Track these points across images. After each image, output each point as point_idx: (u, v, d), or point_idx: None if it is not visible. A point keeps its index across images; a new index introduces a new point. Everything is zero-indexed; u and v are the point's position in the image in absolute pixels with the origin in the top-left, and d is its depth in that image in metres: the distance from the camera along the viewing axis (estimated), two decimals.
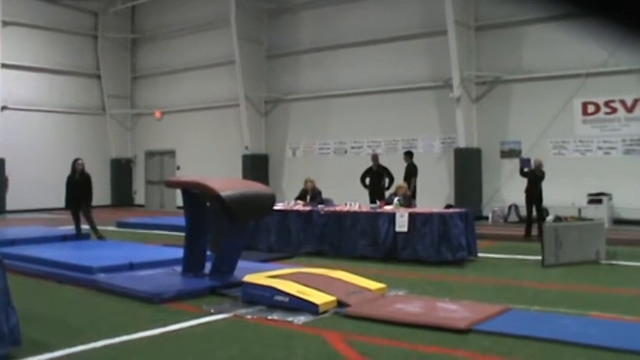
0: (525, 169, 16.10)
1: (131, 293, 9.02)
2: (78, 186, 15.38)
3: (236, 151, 26.21)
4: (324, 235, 13.39)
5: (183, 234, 11.52)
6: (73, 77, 30.03)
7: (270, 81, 26.27)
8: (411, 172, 18.22)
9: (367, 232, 12.79)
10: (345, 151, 24.10)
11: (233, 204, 9.21)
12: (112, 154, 30.54)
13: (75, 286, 10.05)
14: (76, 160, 15.73)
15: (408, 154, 18.71)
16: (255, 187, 10.61)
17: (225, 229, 9.74)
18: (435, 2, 20.92)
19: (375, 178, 18.24)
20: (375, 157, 18.84)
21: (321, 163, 23.98)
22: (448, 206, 18.72)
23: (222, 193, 9.15)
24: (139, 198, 31.27)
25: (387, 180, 18.06)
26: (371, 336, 6.87)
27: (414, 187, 17.74)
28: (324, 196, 15.59)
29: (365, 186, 18.30)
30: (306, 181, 15.69)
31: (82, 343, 6.66)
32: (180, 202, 26.16)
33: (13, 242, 14.20)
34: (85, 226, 15.63)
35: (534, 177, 15.86)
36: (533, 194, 15.83)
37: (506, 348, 6.39)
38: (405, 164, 18.43)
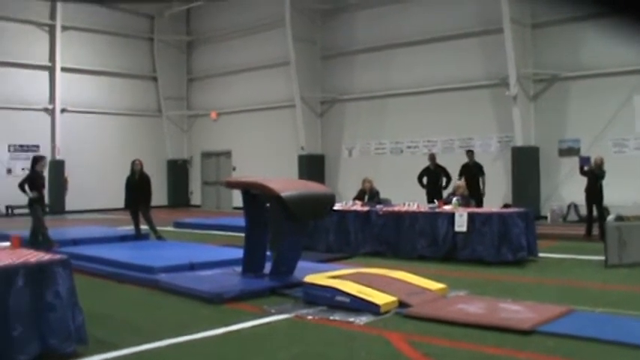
0: (585, 168, 15.84)
1: (192, 293, 9.10)
2: (137, 187, 15.55)
3: (292, 151, 26.29)
4: (382, 235, 13.35)
5: (240, 234, 11.61)
6: (129, 80, 30.50)
7: (326, 81, 26.28)
8: (478, 171, 18.06)
9: (426, 232, 12.72)
10: (402, 151, 23.99)
11: (293, 204, 9.23)
12: (168, 155, 30.89)
13: (136, 286, 10.19)
14: (134, 161, 15.92)
15: (470, 153, 18.54)
16: (315, 187, 10.63)
17: (285, 230, 9.77)
18: (490, 0, 20.69)
19: (433, 178, 18.15)
20: (432, 157, 18.74)
21: (377, 163, 23.90)
22: (505, 206, 18.54)
23: (283, 194, 9.19)
24: (196, 199, 31.58)
25: (444, 179, 17.93)
26: (433, 337, 6.82)
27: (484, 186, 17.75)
28: (381, 196, 15.53)
29: (422, 185, 18.20)
30: (363, 181, 15.64)
31: (147, 342, 6.75)
32: (236, 202, 26.65)
33: (75, 242, 14.46)
34: (144, 227, 15.81)
35: (594, 176, 15.59)
36: (594, 193, 15.56)
37: (570, 350, 6.30)
38: (468, 163, 18.23)
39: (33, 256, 6.57)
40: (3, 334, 5.75)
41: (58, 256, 6.55)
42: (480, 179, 18.04)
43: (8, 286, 5.84)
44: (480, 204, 16.70)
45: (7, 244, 7.28)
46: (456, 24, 22.22)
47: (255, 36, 28.33)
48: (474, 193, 17.34)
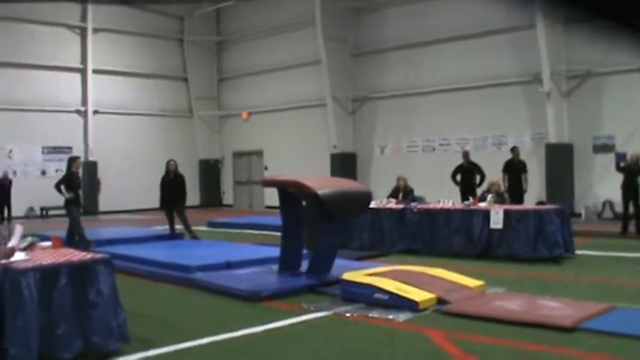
0: (621, 164, 15.71)
1: (230, 291, 9.13)
2: (171, 186, 15.64)
3: (323, 150, 26.31)
4: (417, 233, 13.32)
5: (274, 233, 11.65)
6: (161, 81, 30.69)
7: (357, 80, 26.27)
8: (522, 168, 17.95)
9: (461, 230, 12.68)
10: (434, 149, 23.91)
11: (330, 202, 9.23)
12: (200, 155, 31.03)
13: (172, 285, 10.25)
14: (168, 162, 16.02)
15: (516, 150, 18.41)
16: (351, 185, 10.64)
17: (321, 228, 9.78)
18: None
19: (466, 175, 18.05)
20: (465, 154, 18.64)
21: (410, 161, 23.83)
22: (540, 203, 18.42)
23: (319, 192, 9.19)
24: (228, 198, 31.71)
25: (477, 177, 17.83)
26: (474, 334, 6.80)
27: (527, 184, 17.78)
28: (415, 194, 15.49)
29: (456, 183, 18.12)
30: (398, 179, 15.60)
31: (187, 340, 6.80)
32: (269, 201, 26.76)
33: (110, 242, 14.58)
34: (178, 226, 15.90)
35: (631, 172, 15.46)
36: (630, 190, 15.44)
37: (614, 347, 6.25)
38: (513, 159, 18.09)
39: (75, 255, 6.65)
40: (47, 332, 5.83)
41: (100, 255, 6.63)
42: (523, 176, 17.88)
43: (52, 284, 5.92)
44: (521, 201, 16.57)
45: (49, 243, 7.35)
46: (487, 20, 22.06)
47: (286, 35, 28.38)
48: (516, 190, 17.30)
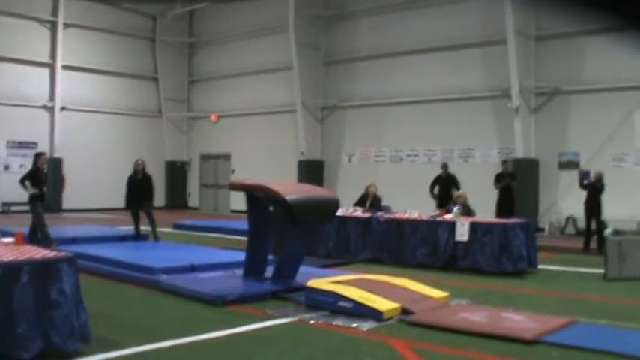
0: (585, 182, 15.90)
1: (194, 295, 9.09)
2: (139, 186, 15.53)
3: (291, 156, 26.28)
4: (383, 242, 13.37)
5: (240, 237, 11.59)
6: (130, 80, 30.44)
7: (327, 87, 26.29)
8: (512, 180, 18.07)
9: (427, 241, 12.75)
10: (401, 159, 23.99)
11: (297, 208, 9.22)
12: (167, 156, 30.79)
13: (136, 286, 10.18)
14: (136, 161, 15.91)
15: (506, 163, 18.53)
16: (319, 192, 10.65)
17: (288, 234, 9.76)
18: (495, 11, 20.75)
19: (444, 186, 18.13)
20: (444, 166, 18.74)
21: (377, 171, 23.87)
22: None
23: (287, 197, 9.18)
24: (193, 201, 31.53)
25: (454, 189, 17.82)
26: (437, 344, 6.83)
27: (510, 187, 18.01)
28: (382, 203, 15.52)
29: (433, 196, 18.12)
30: (368, 187, 15.58)
31: (150, 342, 6.76)
32: (234, 205, 26.66)
33: (74, 240, 14.45)
34: (144, 227, 15.77)
35: (594, 189, 15.66)
36: (593, 207, 15.63)
37: None
38: (503, 172, 18.22)
39: (38, 252, 6.57)
40: (7, 330, 5.75)
41: (63, 254, 6.55)
42: (513, 185, 18.05)
43: (13, 282, 5.83)
44: (511, 214, 16.62)
45: (11, 239, 7.23)
46: (459, 34, 22.26)
47: (258, 40, 28.33)
48: (504, 204, 17.43)
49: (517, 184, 18.54)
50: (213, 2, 28.87)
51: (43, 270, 6.05)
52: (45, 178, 13.85)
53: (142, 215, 15.67)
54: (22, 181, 13.46)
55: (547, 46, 20.69)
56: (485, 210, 16.96)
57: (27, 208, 13.97)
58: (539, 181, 20.69)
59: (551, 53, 20.55)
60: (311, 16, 25.72)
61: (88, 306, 6.40)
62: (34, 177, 13.48)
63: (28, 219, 14.21)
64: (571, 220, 19.59)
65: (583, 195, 15.86)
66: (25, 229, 12.95)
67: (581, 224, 17.16)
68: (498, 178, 18.21)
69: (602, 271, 11.53)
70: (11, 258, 6.06)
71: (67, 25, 27.76)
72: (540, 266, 12.60)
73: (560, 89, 20.24)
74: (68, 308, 6.08)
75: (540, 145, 20.66)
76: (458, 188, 17.61)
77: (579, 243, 15.99)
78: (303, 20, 25.49)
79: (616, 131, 19.10)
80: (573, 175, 18.13)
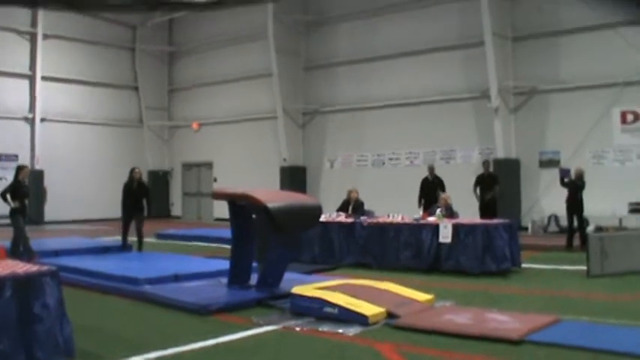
0: (565, 179, 15.98)
1: (178, 304, 9.06)
2: (135, 195, 15.40)
3: (273, 162, 26.28)
4: (367, 246, 13.39)
5: (224, 246, 11.57)
6: (111, 89, 30.37)
7: (308, 93, 26.33)
8: (493, 182, 18.12)
9: (410, 244, 12.78)
10: (383, 163, 24.05)
11: (280, 215, 9.22)
12: (149, 165, 30.66)
13: (120, 297, 10.12)
14: (133, 169, 15.74)
15: (487, 164, 18.60)
16: (301, 198, 10.65)
17: (271, 241, 9.76)
18: (472, 14, 20.88)
19: (430, 189, 18.16)
20: (431, 168, 18.78)
21: (359, 175, 23.90)
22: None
23: (269, 205, 9.17)
24: (176, 209, 31.45)
25: (439, 191, 17.83)
26: (423, 347, 6.85)
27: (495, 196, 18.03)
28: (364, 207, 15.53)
29: (420, 203, 18.09)
30: (349, 192, 15.61)
31: (135, 354, 6.69)
32: (217, 213, 26.62)
33: (56, 253, 14.29)
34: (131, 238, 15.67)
35: (575, 187, 15.76)
36: (574, 204, 15.74)
37: (562, 359, 6.36)
38: (483, 174, 18.29)
39: (20, 267, 6.52)
40: None
41: (46, 267, 6.51)
42: (495, 188, 18.08)
43: None
44: (494, 215, 16.64)
45: None
46: (438, 37, 22.40)
47: (238, 47, 28.36)
48: (487, 205, 17.50)
49: (499, 184, 18.60)
50: (192, 11, 28.78)
51: (26, 284, 6.01)
52: (26, 191, 13.74)
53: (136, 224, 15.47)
54: (3, 195, 13.35)
55: (524, 47, 20.86)
56: (469, 211, 17.07)
57: (7, 221, 13.86)
58: (520, 181, 20.84)
59: (528, 53, 20.72)
60: (290, 21, 25.78)
61: (72, 319, 6.37)
62: (15, 190, 13.37)
63: (8, 232, 14.11)
64: (553, 218, 19.72)
65: (564, 193, 15.95)
66: (6, 243, 12.93)
67: (564, 222, 17.29)
68: (479, 180, 18.24)
69: (585, 268, 11.61)
70: None
71: (46, 36, 27.71)
72: (524, 265, 12.67)
73: (538, 89, 20.43)
74: (52, 322, 6.05)
75: (521, 144, 20.81)
76: (443, 190, 17.65)
77: (562, 241, 16.08)
78: (282, 26, 25.55)
79: (594, 128, 19.29)
80: (554, 174, 18.23)
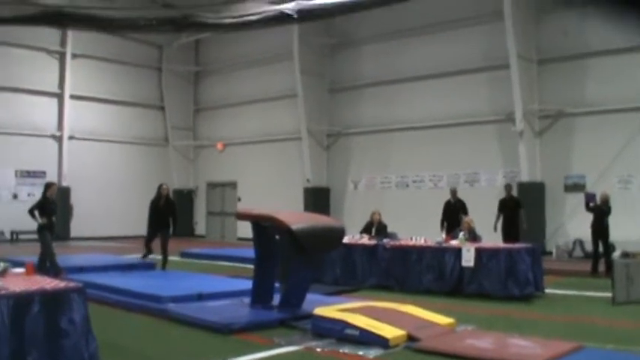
0: (591, 204, 15.88)
1: (201, 323, 9.11)
2: (162, 211, 15.53)
3: (297, 183, 26.36)
4: (389, 269, 13.39)
5: (247, 265, 11.62)
6: (137, 109, 30.73)
7: (332, 114, 26.43)
8: (516, 205, 18.04)
9: (433, 267, 12.77)
10: (407, 185, 24.06)
11: (303, 237, 9.29)
12: (174, 184, 30.79)
13: (144, 315, 10.21)
14: (161, 185, 15.91)
15: (509, 187, 18.53)
16: (324, 220, 10.70)
17: (294, 262, 9.81)
18: (497, 36, 20.90)
19: (453, 211, 18.11)
20: (453, 191, 18.76)
21: (383, 197, 23.93)
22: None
23: (293, 227, 9.25)
24: (200, 228, 31.60)
25: (462, 215, 17.76)
26: None
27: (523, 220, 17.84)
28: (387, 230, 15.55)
29: (443, 227, 18.03)
30: (372, 214, 15.67)
31: None
32: (241, 233, 26.70)
33: (81, 269, 14.46)
34: (154, 256, 15.78)
35: (600, 212, 15.65)
36: (600, 229, 15.61)
37: None
38: (505, 198, 18.21)
39: (48, 283, 6.65)
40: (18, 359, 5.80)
41: (73, 284, 6.63)
42: (521, 212, 17.95)
43: (24, 312, 5.91)
44: (517, 239, 16.53)
45: (22, 270, 7.34)
46: (463, 59, 22.43)
47: (263, 68, 28.56)
48: (510, 230, 17.40)
49: (523, 207, 18.49)
50: (218, 32, 29.06)
51: (54, 300, 6.14)
52: (54, 208, 13.92)
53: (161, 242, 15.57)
54: (31, 211, 13.54)
55: (550, 69, 20.82)
56: (492, 234, 17.00)
57: (35, 236, 14.04)
58: (545, 204, 20.71)
59: (553, 76, 20.67)
60: (315, 43, 25.94)
61: (97, 335, 6.46)
62: (43, 207, 13.56)
63: (35, 247, 14.27)
64: (578, 242, 19.57)
65: (590, 217, 15.84)
66: (34, 259, 13.05)
67: (589, 247, 17.16)
68: (502, 205, 18.13)
69: (610, 294, 11.50)
70: (22, 288, 6.15)
71: (75, 56, 28.11)
72: (547, 290, 12.57)
73: (564, 112, 20.34)
74: (78, 338, 6.16)
75: (546, 168, 20.71)
76: (466, 213, 17.62)
77: (587, 266, 15.94)
78: (307, 48, 25.71)
79: (621, 153, 19.14)
80: (579, 198, 18.12)
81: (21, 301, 5.92)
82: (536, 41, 20.92)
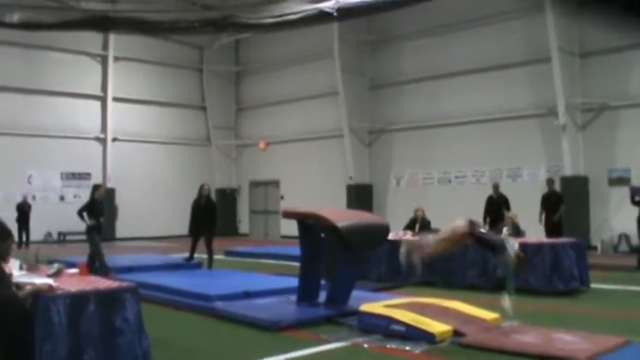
0: (636, 198, 15.74)
1: (249, 321, 9.24)
2: (202, 211, 15.72)
3: (340, 181, 26.48)
4: (433, 264, 13.35)
5: (291, 263, 11.72)
6: (179, 109, 31.09)
7: (373, 112, 26.49)
8: (559, 201, 17.99)
9: (477, 262, 12.77)
10: (449, 181, 24.05)
11: (349, 235, 9.38)
12: (217, 183, 31.11)
13: (192, 313, 10.38)
14: (202, 186, 16.10)
15: (550, 182, 18.49)
16: (369, 218, 10.80)
17: (340, 260, 9.92)
18: (538, 30, 20.78)
19: (495, 207, 18.10)
20: (496, 186, 18.74)
21: (425, 193, 23.96)
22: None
23: (339, 224, 9.34)
24: (244, 227, 31.89)
25: (504, 210, 17.75)
26: None
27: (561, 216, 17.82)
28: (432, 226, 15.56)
29: (484, 222, 18.00)
30: (416, 210, 15.72)
31: None
32: (284, 231, 26.86)
33: (129, 269, 14.70)
34: (197, 254, 15.98)
35: None
36: None
37: None
38: (548, 192, 18.17)
39: (102, 283, 6.85)
40: (75, 358, 5.99)
41: (126, 283, 6.82)
42: (560, 207, 17.91)
43: (80, 311, 6.09)
44: (560, 234, 16.43)
45: (76, 270, 7.55)
46: (503, 53, 22.33)
47: (303, 66, 28.73)
48: (553, 224, 17.36)
49: (566, 201, 18.37)
50: (258, 32, 29.25)
51: (108, 299, 6.32)
52: (101, 210, 14.21)
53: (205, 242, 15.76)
54: (80, 212, 13.85)
55: (592, 62, 20.64)
56: (536, 229, 16.94)
57: (82, 237, 14.32)
58: (589, 199, 20.56)
59: (596, 69, 20.49)
60: (355, 41, 26.01)
61: (151, 334, 6.63)
62: (92, 208, 13.85)
63: (82, 248, 14.55)
64: (624, 237, 19.42)
65: (635, 211, 15.71)
66: (80, 258, 13.33)
67: (635, 241, 17.04)
68: (544, 199, 18.04)
69: None
70: (78, 288, 6.34)
71: (117, 59, 28.58)
72: (593, 285, 12.49)
73: (608, 105, 20.16)
74: (131, 336, 6.33)
75: (589, 161, 20.56)
76: (508, 209, 17.57)
77: (633, 261, 15.82)
78: (347, 46, 25.80)
79: None
80: (624, 192, 17.95)
81: (77, 301, 6.10)
82: (577, 34, 20.74)
